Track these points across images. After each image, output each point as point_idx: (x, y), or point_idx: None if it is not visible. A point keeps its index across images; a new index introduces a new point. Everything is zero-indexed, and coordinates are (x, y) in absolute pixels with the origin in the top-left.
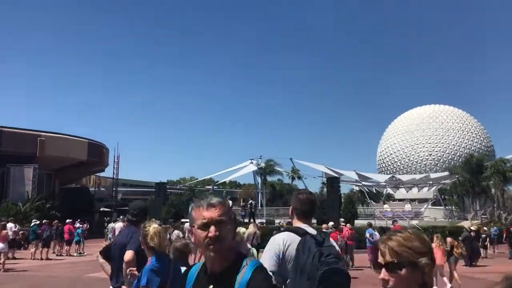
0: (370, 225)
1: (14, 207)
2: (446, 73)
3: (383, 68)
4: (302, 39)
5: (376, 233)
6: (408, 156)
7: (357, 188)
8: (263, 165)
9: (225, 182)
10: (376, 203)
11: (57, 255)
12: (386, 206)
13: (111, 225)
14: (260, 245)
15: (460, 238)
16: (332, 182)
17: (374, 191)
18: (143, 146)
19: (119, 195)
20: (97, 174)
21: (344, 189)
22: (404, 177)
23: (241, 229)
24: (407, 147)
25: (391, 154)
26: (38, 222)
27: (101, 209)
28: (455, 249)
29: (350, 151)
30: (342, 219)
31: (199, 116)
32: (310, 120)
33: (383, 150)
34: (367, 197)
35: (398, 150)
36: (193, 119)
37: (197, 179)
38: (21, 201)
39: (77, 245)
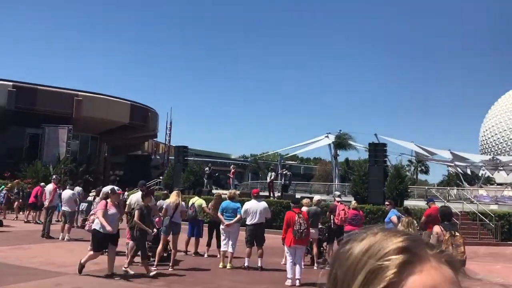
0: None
1: (45, 169)
2: None
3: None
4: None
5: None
6: None
7: (453, 170)
8: (333, 139)
9: (295, 155)
10: (471, 186)
11: (24, 222)
12: (481, 190)
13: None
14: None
15: None
16: (376, 150)
17: (469, 173)
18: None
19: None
20: (154, 139)
21: (440, 169)
22: (505, 158)
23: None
24: None
25: (495, 134)
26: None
27: (160, 177)
28: (443, 246)
29: (451, 130)
30: (337, 193)
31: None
32: (401, 95)
33: (486, 130)
34: (461, 179)
35: (505, 130)
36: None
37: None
38: (53, 164)
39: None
